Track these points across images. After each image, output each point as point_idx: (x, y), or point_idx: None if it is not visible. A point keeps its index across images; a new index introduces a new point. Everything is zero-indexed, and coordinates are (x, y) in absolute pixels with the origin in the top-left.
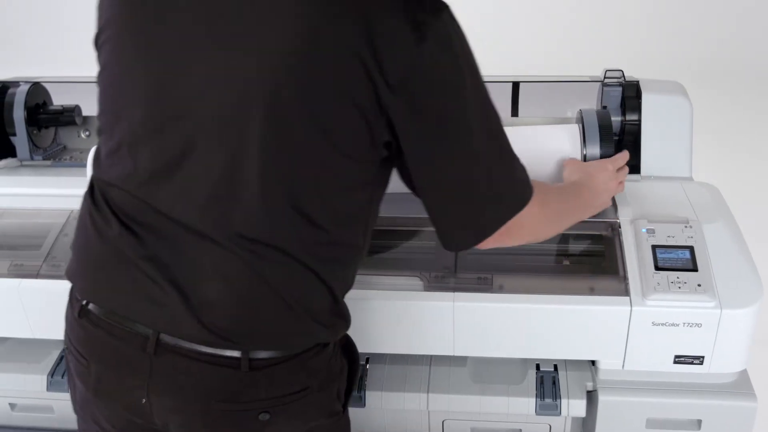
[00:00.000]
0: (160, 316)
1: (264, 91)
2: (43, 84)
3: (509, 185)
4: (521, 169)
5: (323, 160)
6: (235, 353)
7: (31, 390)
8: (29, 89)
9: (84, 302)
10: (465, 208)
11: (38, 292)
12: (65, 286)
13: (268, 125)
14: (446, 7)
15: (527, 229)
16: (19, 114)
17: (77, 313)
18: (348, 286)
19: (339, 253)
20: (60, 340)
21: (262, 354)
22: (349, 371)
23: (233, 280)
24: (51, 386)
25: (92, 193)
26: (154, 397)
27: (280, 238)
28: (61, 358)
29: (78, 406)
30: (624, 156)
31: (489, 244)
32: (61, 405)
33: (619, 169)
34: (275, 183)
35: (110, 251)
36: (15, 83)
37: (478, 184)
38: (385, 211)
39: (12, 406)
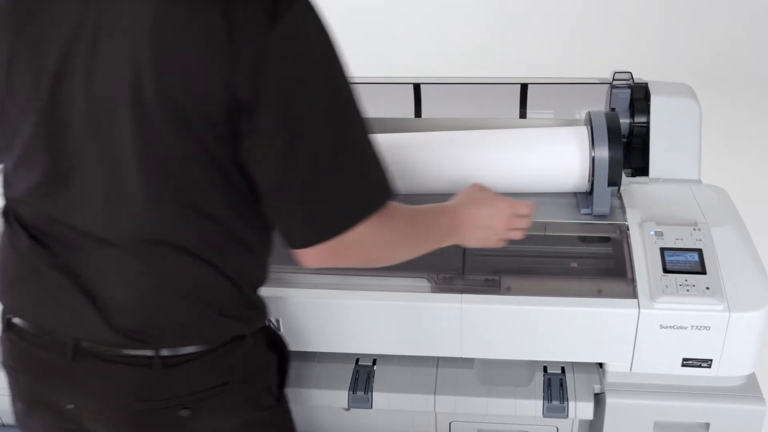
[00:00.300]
0: (76, 323)
1: (127, 91)
2: None
3: (362, 183)
4: (380, 169)
5: (193, 155)
6: (148, 352)
7: None
8: None
9: (9, 317)
10: (311, 204)
11: None
12: None
13: (137, 125)
14: None
15: (359, 250)
16: None
17: (4, 328)
18: (256, 277)
19: (236, 244)
20: None
21: (175, 351)
22: (279, 365)
23: (135, 282)
24: None
25: (6, 212)
26: (80, 403)
27: (173, 234)
28: None
29: (19, 421)
30: (529, 206)
31: (315, 259)
32: None
33: (519, 216)
34: (156, 182)
35: (25, 265)
36: None
37: (326, 178)
38: None
39: None
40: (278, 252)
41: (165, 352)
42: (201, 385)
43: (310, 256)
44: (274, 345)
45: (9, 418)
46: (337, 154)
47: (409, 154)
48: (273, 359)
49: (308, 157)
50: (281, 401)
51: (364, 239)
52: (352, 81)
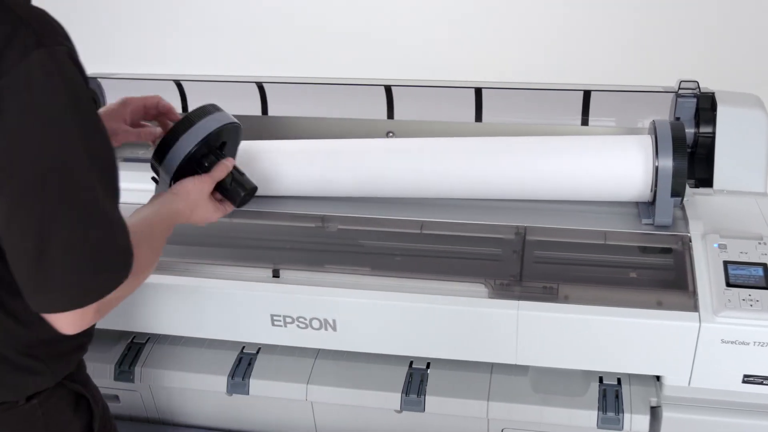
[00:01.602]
0: None
1: None
2: (109, 79)
3: (108, 247)
4: (119, 229)
5: None
6: None
7: (98, 379)
8: None
9: None
10: (39, 272)
11: None
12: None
13: None
14: (51, 46)
15: (117, 301)
16: None
17: None
18: (23, 339)
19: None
20: (129, 332)
21: None
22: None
23: None
24: (118, 376)
25: None
26: None
27: None
28: (128, 349)
29: None
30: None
31: (74, 325)
32: (127, 395)
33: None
34: None
35: None
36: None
37: (59, 245)
38: (451, 216)
39: None
40: (326, 254)
41: None
42: None
43: (66, 321)
44: (80, 405)
45: None
46: (71, 219)
47: (468, 160)
48: (72, 423)
49: (33, 222)
50: None
51: (122, 294)
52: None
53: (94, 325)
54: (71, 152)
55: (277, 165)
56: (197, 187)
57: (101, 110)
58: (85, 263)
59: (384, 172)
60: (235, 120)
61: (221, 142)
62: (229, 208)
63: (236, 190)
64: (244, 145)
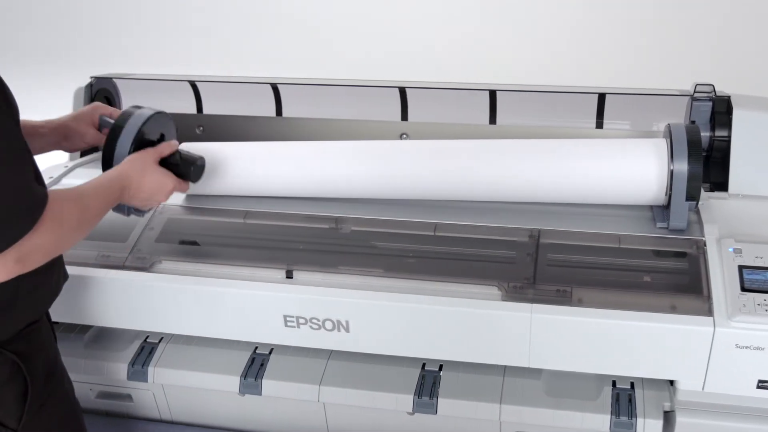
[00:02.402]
0: None
1: None
2: (125, 80)
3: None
4: (21, 183)
5: None
6: None
7: (112, 377)
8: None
9: None
10: None
11: (123, 282)
12: (149, 277)
13: None
14: None
15: (42, 254)
16: None
17: None
18: None
19: None
20: (143, 332)
21: None
22: (24, 397)
23: None
24: (131, 375)
25: None
26: None
27: None
28: (142, 348)
29: None
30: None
31: None
32: (140, 394)
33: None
34: None
35: None
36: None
37: None
38: (465, 218)
39: (93, 392)
40: (339, 256)
41: None
42: None
43: None
44: (17, 374)
45: (87, 404)
46: None
47: (482, 162)
48: (6, 390)
49: None
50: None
51: (41, 243)
52: None
53: (23, 297)
54: None
55: (291, 166)
56: (141, 156)
57: (73, 114)
58: None
59: (398, 174)
60: (159, 109)
61: (160, 134)
62: (186, 186)
63: (186, 164)
64: (258, 146)
